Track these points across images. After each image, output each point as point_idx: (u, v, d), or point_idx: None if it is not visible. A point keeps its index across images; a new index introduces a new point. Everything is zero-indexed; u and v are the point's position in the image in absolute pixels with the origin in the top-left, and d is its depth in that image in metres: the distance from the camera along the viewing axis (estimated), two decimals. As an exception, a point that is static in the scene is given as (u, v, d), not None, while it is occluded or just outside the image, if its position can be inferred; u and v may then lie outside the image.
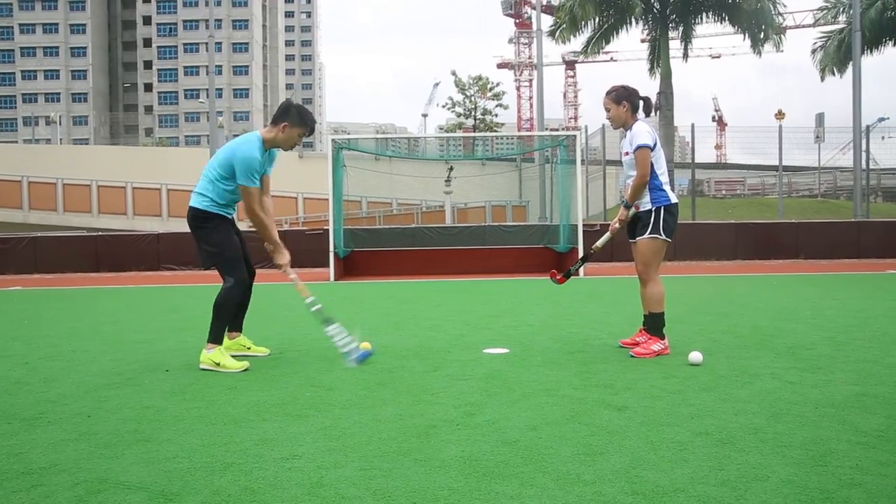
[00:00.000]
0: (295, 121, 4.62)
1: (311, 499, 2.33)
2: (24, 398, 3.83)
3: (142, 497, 2.37)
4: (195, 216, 4.66)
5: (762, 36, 23.74)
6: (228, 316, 4.66)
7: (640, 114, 4.89)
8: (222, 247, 4.64)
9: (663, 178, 4.79)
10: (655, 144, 4.75)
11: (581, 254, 12.70)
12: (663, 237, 4.75)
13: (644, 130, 4.75)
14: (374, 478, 2.51)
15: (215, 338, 4.56)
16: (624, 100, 4.84)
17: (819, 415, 3.22)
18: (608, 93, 4.93)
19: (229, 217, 4.75)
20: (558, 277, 5.44)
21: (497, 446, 2.84)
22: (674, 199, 4.81)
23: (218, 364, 4.46)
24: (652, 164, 4.74)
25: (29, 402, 3.75)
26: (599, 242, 5.23)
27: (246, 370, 4.45)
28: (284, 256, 4.75)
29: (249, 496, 2.36)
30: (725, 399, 3.54)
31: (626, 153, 4.85)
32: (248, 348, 4.96)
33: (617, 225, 5.11)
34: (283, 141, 4.65)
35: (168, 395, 3.85)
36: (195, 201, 4.66)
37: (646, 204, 4.79)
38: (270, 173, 4.84)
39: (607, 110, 4.91)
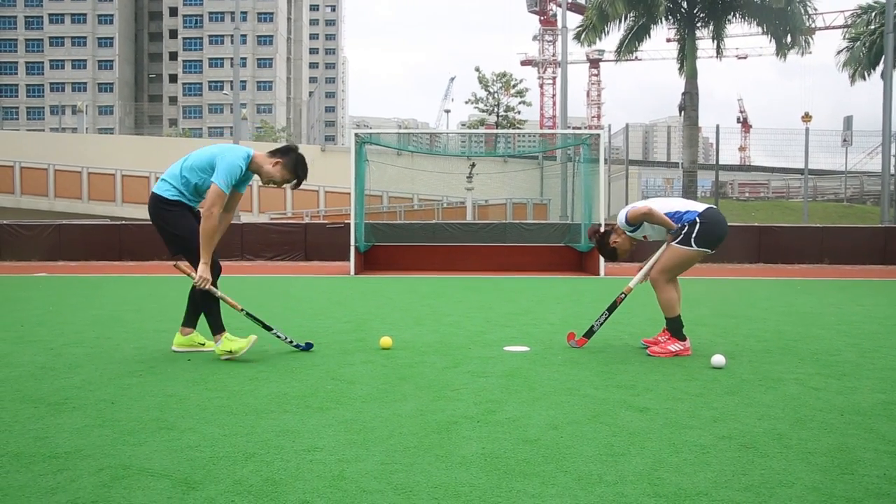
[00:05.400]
0: (289, 165, 4.61)
1: (333, 491, 2.33)
2: (50, 383, 3.88)
3: (165, 484, 2.39)
4: (160, 201, 4.58)
5: (789, 40, 23.44)
6: (215, 302, 4.62)
7: (625, 222, 4.95)
8: (193, 233, 4.54)
9: (677, 208, 4.85)
10: (642, 218, 4.84)
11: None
12: (695, 248, 4.70)
13: (622, 214, 4.95)
14: (396, 472, 2.51)
15: (216, 328, 4.59)
16: (610, 237, 5.05)
17: (845, 422, 3.18)
18: (594, 246, 5.29)
19: (194, 209, 4.69)
20: (577, 340, 5.08)
21: (518, 444, 2.83)
22: (700, 209, 4.80)
23: (231, 352, 4.50)
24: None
25: (54, 387, 3.80)
26: (633, 283, 5.06)
27: (254, 342, 4.56)
28: (207, 271, 4.51)
29: (271, 487, 2.37)
30: (749, 403, 3.50)
31: (645, 236, 5.01)
32: (203, 344, 4.86)
33: (654, 259, 5.00)
34: (266, 173, 4.63)
35: (190, 384, 3.88)
36: (161, 188, 4.60)
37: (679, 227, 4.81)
38: (243, 192, 4.80)
39: (616, 251, 5.07)
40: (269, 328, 4.86)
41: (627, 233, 4.97)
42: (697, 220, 4.73)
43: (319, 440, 2.87)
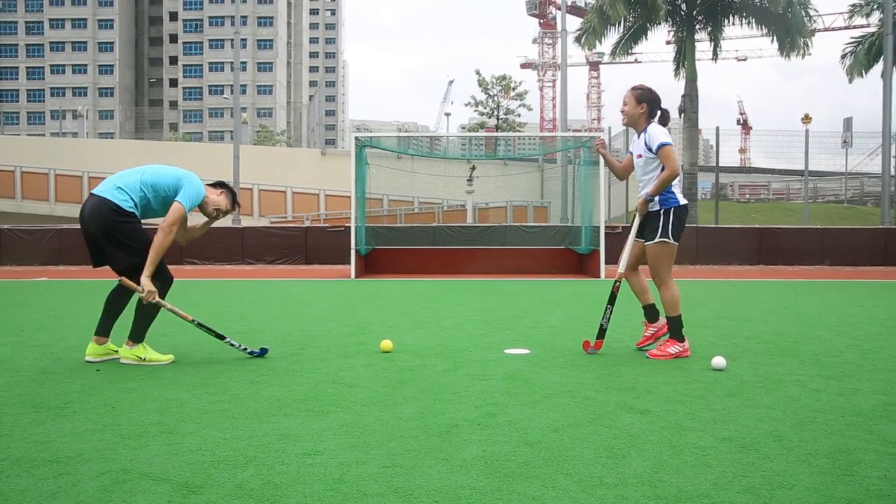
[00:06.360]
0: (230, 196, 4.85)
1: (333, 495, 2.33)
2: (51, 388, 3.89)
3: (165, 489, 2.39)
4: (115, 211, 4.39)
5: (789, 41, 23.47)
6: (154, 314, 4.64)
7: (654, 121, 4.87)
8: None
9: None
10: (664, 163, 4.74)
11: (599, 251, 12.63)
12: (672, 241, 4.73)
13: (661, 131, 4.78)
14: (396, 475, 2.51)
15: (138, 337, 4.60)
16: (645, 101, 4.83)
17: (845, 423, 3.18)
18: (634, 88, 4.92)
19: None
20: (594, 344, 4.99)
21: (518, 447, 2.83)
22: (683, 201, 4.78)
23: (142, 358, 4.54)
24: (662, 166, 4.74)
25: (55, 391, 3.80)
26: (622, 267, 5.04)
27: (169, 362, 4.59)
28: (150, 283, 4.47)
29: (272, 491, 2.37)
30: (749, 405, 3.50)
31: (640, 155, 4.85)
32: (116, 352, 4.75)
33: (633, 234, 5.00)
34: (213, 201, 4.76)
35: (191, 388, 3.88)
36: (117, 197, 4.42)
37: (654, 206, 4.77)
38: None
39: (625, 103, 4.90)
40: (221, 337, 4.82)
41: (645, 145, 4.75)
42: (672, 212, 4.72)
43: (320, 444, 2.87)
